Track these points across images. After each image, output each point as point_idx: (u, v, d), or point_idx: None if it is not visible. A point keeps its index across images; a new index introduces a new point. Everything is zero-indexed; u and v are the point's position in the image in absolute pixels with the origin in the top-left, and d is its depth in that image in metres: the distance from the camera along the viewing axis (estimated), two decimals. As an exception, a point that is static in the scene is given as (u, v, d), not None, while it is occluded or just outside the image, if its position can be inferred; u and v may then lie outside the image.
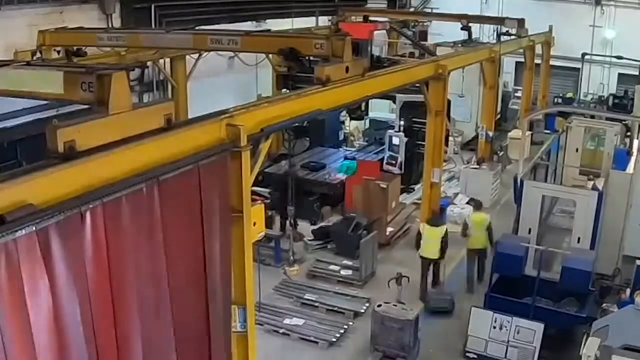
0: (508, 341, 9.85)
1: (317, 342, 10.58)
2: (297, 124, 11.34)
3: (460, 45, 19.62)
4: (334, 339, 10.64)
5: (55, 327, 4.83)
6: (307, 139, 19.03)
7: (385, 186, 14.21)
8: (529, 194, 11.67)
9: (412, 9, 27.91)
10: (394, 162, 15.59)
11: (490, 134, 19.30)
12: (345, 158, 17.65)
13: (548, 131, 21.98)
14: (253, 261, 7.48)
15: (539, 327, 9.67)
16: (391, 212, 14.58)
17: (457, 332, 10.64)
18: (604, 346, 6.92)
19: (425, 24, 25.81)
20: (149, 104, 8.39)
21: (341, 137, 20.60)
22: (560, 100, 25.04)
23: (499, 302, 10.33)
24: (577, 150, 16.01)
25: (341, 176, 16.14)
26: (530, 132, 20.15)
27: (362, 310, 11.50)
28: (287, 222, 13.68)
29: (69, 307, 4.93)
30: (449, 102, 15.19)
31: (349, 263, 13.08)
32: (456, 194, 16.93)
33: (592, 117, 17.79)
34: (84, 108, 6.47)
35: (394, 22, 22.24)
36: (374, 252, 13.05)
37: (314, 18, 21.75)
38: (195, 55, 16.26)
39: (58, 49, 12.47)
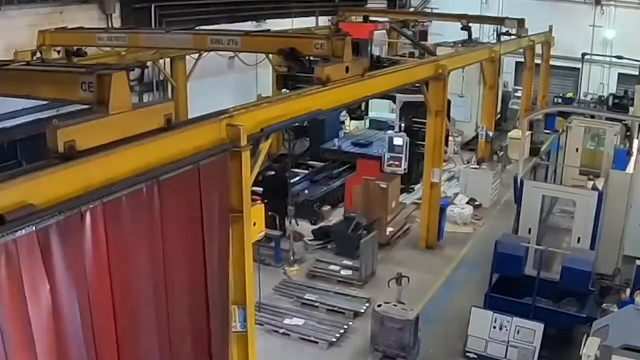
0: (508, 341, 9.84)
1: (317, 342, 10.58)
2: (297, 124, 11.35)
3: (460, 45, 19.62)
4: (334, 339, 10.63)
5: (55, 327, 4.83)
6: (307, 139, 19.04)
7: (385, 186, 14.21)
8: (529, 194, 11.67)
9: (412, 9, 27.89)
10: (397, 162, 15.58)
11: (490, 134, 19.31)
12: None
13: (548, 131, 21.97)
14: (253, 261, 7.49)
15: (539, 327, 9.67)
16: (391, 212, 14.57)
17: (457, 332, 10.64)
18: (604, 346, 6.92)
19: (425, 24, 25.81)
20: (149, 104, 8.42)
21: (341, 137, 20.60)
22: (560, 100, 25.03)
23: (499, 302, 10.33)
24: (577, 150, 16.01)
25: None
26: (530, 132, 20.16)
27: (362, 310, 11.50)
28: (287, 221, 13.66)
29: (69, 307, 4.93)
30: (449, 102, 15.19)
31: (349, 263, 13.07)
32: (456, 194, 16.93)
33: (592, 117, 17.78)
34: (84, 108, 6.48)
35: (394, 22, 22.26)
36: (374, 252, 13.05)
37: (314, 18, 21.75)
38: (195, 55, 16.26)
39: (58, 49, 12.47)
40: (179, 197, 6.06)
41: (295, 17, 20.47)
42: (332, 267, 13.06)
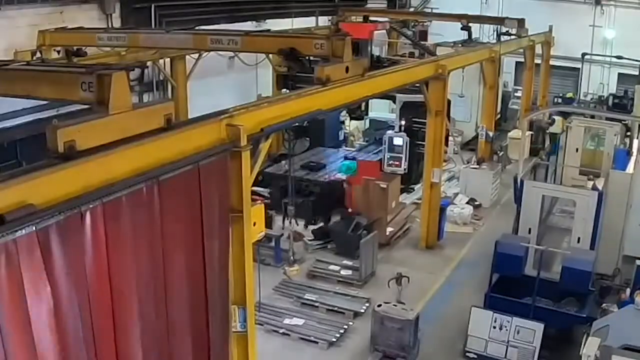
0: (508, 341, 9.84)
1: (317, 342, 10.57)
2: (297, 124, 11.35)
3: (460, 45, 19.61)
4: (334, 339, 10.63)
5: (55, 327, 4.83)
6: (307, 139, 19.04)
7: (385, 186, 14.21)
8: (529, 194, 11.67)
9: (412, 9, 27.88)
10: (397, 162, 15.59)
11: (490, 134, 19.32)
12: (345, 158, 17.68)
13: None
14: (253, 261, 7.49)
15: (539, 327, 9.67)
16: (391, 212, 14.58)
17: (457, 332, 10.64)
18: (604, 346, 6.92)
19: (425, 24, 25.80)
20: (149, 104, 8.41)
21: (341, 137, 20.61)
22: (560, 100, 25.03)
23: (499, 302, 10.33)
24: (577, 150, 16.02)
25: (341, 176, 16.17)
26: (530, 132, 20.16)
27: (362, 310, 11.50)
28: (287, 221, 13.67)
29: (68, 307, 4.93)
30: (449, 102, 15.19)
31: (349, 263, 13.08)
32: (456, 194, 16.94)
33: (592, 117, 17.79)
34: (84, 108, 6.48)
35: (394, 22, 22.26)
36: (374, 252, 13.05)
37: (314, 18, 21.75)
38: (195, 55, 16.27)
39: (58, 49, 12.47)
40: (179, 197, 6.06)
41: (295, 17, 20.48)
42: (332, 267, 13.06)
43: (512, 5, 24.48)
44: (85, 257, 5.09)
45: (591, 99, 25.18)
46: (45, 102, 9.74)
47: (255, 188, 8.40)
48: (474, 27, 21.28)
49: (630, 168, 12.84)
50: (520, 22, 19.79)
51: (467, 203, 16.40)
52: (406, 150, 15.63)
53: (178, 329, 6.28)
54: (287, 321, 11.06)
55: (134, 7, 15.33)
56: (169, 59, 16.31)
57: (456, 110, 19.53)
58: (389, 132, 17.26)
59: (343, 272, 12.86)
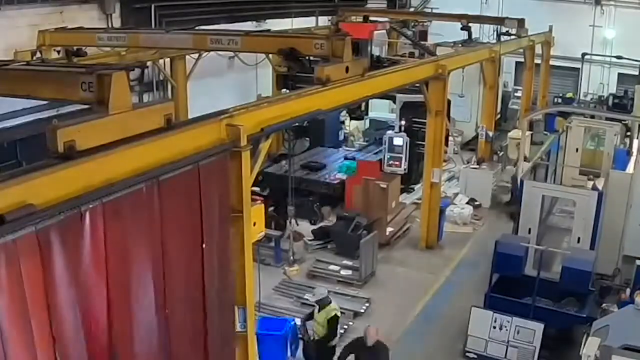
0: (508, 341, 9.85)
1: (317, 342, 10.55)
2: (297, 124, 11.34)
3: (460, 45, 19.62)
4: (334, 339, 10.60)
5: (55, 327, 4.83)
6: (307, 139, 19.03)
7: (385, 186, 14.21)
8: (529, 194, 11.66)
9: (412, 9, 27.89)
10: (397, 162, 15.60)
11: (490, 134, 19.32)
12: (345, 158, 17.67)
13: (546, 133, 21.97)
14: (253, 261, 7.49)
15: (539, 327, 9.67)
16: (391, 212, 14.58)
17: (457, 332, 10.64)
18: (604, 346, 6.92)
19: (425, 24, 25.80)
20: (149, 104, 8.41)
21: (341, 137, 20.60)
22: (560, 100, 25.05)
23: (499, 302, 10.33)
24: (577, 150, 16.02)
25: (341, 176, 16.17)
26: (530, 132, 20.16)
27: (362, 310, 11.49)
28: (287, 221, 13.65)
29: (68, 307, 4.93)
30: (449, 102, 15.19)
31: (349, 263, 13.07)
32: (456, 194, 16.94)
33: (592, 117, 17.80)
34: (84, 108, 6.48)
35: (394, 22, 22.26)
36: (374, 252, 13.04)
37: (314, 18, 21.76)
38: (195, 55, 16.27)
39: (58, 49, 12.47)
40: (179, 197, 6.06)
41: (295, 17, 20.47)
42: (332, 267, 13.06)
43: (512, 5, 24.45)
44: (85, 257, 5.09)
45: (591, 99, 25.19)
46: (45, 102, 9.72)
47: (255, 188, 8.37)
48: (474, 27, 21.28)
49: (630, 168, 12.84)
50: (520, 22, 19.81)
51: (467, 203, 16.40)
52: (406, 150, 15.62)
53: (177, 329, 6.27)
54: (287, 321, 11.04)
55: (134, 7, 15.34)
56: (169, 59, 16.31)
57: (456, 110, 19.53)
58: (389, 132, 17.25)
59: (343, 272, 12.85)
